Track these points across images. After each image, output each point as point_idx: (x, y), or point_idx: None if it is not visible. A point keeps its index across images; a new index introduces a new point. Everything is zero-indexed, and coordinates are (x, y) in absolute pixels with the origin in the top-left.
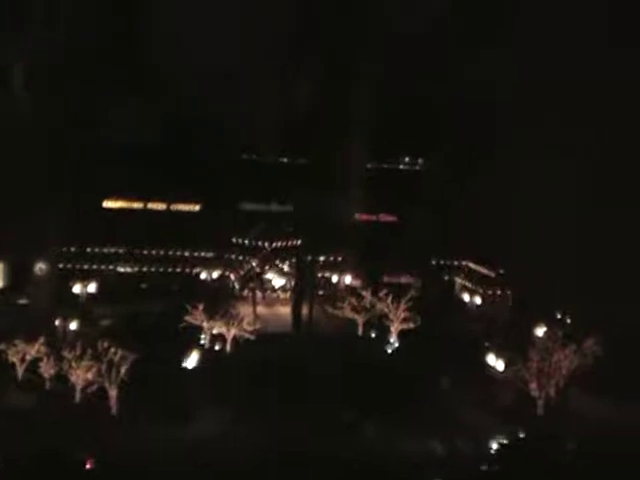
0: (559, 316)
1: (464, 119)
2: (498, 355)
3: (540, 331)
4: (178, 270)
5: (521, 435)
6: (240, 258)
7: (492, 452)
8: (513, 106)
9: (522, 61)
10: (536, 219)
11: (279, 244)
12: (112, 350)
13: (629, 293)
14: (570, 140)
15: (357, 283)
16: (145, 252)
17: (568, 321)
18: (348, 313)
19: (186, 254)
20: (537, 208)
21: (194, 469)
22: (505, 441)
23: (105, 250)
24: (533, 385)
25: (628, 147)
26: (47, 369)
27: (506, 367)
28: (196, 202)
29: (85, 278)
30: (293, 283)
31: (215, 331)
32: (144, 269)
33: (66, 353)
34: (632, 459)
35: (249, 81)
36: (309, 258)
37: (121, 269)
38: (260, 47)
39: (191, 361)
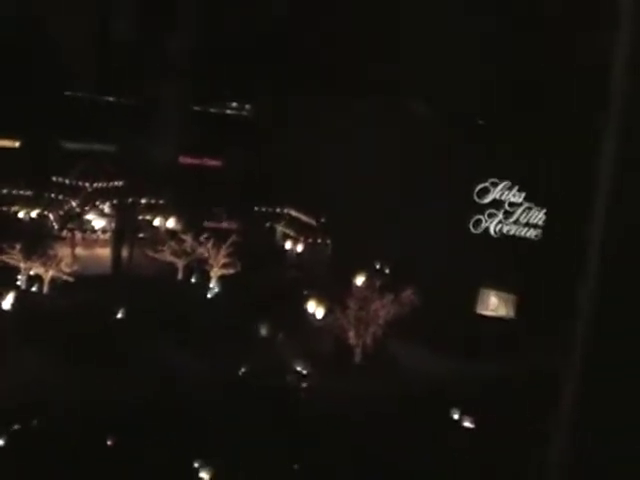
0: (378, 266)
1: (291, 66)
2: (318, 303)
3: (359, 280)
4: None
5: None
6: (60, 198)
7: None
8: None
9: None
10: (359, 168)
11: (101, 185)
12: None
13: (446, 246)
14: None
15: (178, 227)
16: None
17: (387, 271)
18: (168, 257)
19: (4, 192)
20: (359, 157)
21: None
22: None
23: None
24: (351, 333)
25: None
26: None
27: (325, 315)
28: (15, 138)
29: None
30: (114, 225)
31: (32, 272)
32: None
33: None
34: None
35: (70, 16)
36: (130, 200)
37: None
38: None
39: (7, 303)
